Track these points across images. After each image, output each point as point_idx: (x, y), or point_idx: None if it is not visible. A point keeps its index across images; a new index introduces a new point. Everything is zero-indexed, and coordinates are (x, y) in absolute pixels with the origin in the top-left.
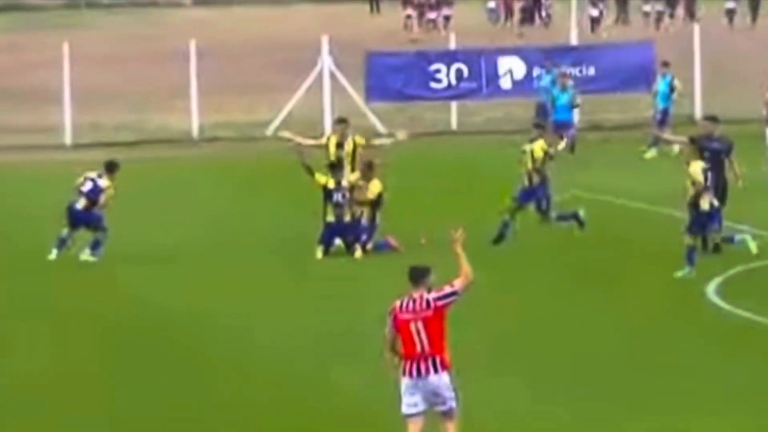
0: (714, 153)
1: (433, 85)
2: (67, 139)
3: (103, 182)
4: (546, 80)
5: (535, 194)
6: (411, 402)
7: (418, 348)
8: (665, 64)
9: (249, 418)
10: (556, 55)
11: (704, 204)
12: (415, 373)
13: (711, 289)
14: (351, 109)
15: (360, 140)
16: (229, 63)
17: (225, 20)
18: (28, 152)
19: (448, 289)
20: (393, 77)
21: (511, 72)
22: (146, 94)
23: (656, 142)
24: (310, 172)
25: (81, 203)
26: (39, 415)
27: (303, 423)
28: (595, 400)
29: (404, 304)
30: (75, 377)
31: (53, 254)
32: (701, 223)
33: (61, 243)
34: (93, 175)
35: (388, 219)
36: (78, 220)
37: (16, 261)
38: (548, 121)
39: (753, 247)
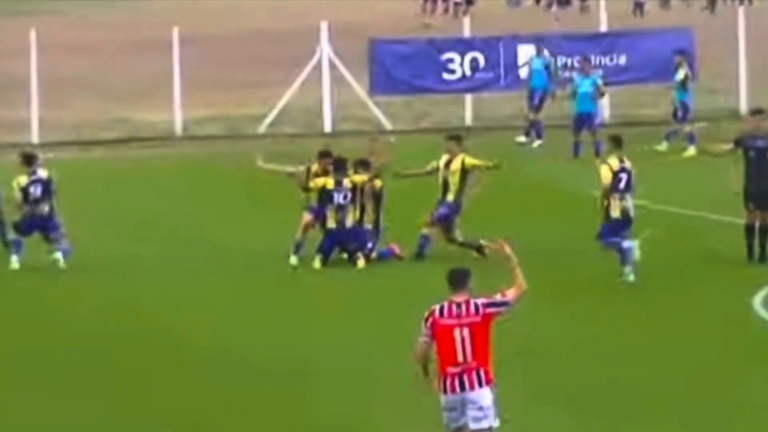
0: (759, 152)
1: (445, 76)
2: (34, 137)
3: (43, 172)
4: (537, 63)
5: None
6: (452, 417)
7: (460, 358)
8: (681, 53)
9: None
10: (584, 42)
11: (615, 211)
12: (457, 387)
13: (758, 301)
14: (353, 103)
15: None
16: (217, 52)
17: (212, 5)
18: None
19: (499, 298)
20: (400, 67)
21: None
22: (123, 87)
23: (692, 137)
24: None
25: (43, 209)
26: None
27: None
28: (637, 416)
29: (446, 309)
30: (59, 383)
31: (15, 263)
32: (613, 231)
33: (18, 247)
34: (25, 179)
35: (391, 227)
36: (44, 226)
37: None
38: (535, 112)
39: (637, 254)
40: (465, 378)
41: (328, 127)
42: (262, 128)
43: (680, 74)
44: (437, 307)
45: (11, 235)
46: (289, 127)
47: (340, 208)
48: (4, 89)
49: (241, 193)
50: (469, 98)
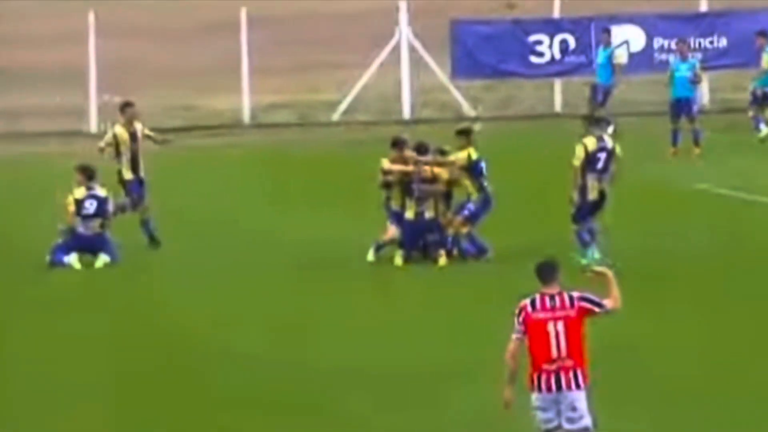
0: None
1: (532, 59)
2: (92, 126)
3: (100, 190)
4: (602, 56)
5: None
6: (546, 418)
7: (554, 353)
8: (762, 35)
9: None
10: (682, 23)
11: (592, 192)
12: (553, 386)
13: None
14: (434, 87)
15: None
16: (288, 34)
17: None
18: (44, 141)
19: (596, 299)
20: (484, 50)
21: (627, 44)
22: (188, 72)
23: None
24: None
25: (91, 227)
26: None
27: None
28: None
29: (538, 302)
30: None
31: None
32: (587, 212)
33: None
34: (83, 193)
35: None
36: (90, 245)
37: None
38: (601, 106)
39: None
40: (562, 377)
41: (406, 114)
42: (335, 115)
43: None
44: (528, 301)
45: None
46: (364, 113)
47: (421, 199)
48: (61, 75)
49: (313, 184)
50: (558, 83)
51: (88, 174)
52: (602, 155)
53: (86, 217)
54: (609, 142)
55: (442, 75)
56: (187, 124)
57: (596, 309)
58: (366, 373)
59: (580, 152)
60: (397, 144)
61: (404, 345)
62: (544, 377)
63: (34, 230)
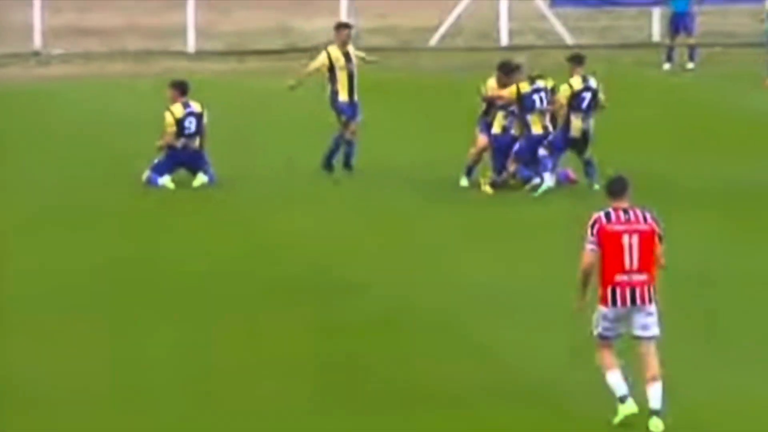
0: None
1: None
2: (190, 46)
3: (196, 106)
4: None
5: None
6: (609, 326)
7: (628, 264)
8: None
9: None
10: None
11: (574, 131)
12: (628, 300)
13: None
14: (533, 15)
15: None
16: None
17: None
18: (143, 61)
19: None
20: None
21: None
22: None
23: None
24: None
25: (195, 144)
26: None
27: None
28: None
29: (613, 215)
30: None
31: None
32: (563, 145)
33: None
34: (181, 111)
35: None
36: (194, 161)
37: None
38: (675, 36)
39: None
40: (637, 292)
41: (504, 41)
42: (433, 41)
43: None
44: (602, 214)
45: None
46: (462, 40)
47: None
48: None
49: (411, 111)
50: (657, 12)
51: (182, 89)
52: (587, 95)
53: (188, 136)
54: (593, 82)
55: (541, 2)
56: (284, 46)
57: (659, 241)
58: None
59: (565, 92)
60: (503, 68)
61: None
62: (619, 291)
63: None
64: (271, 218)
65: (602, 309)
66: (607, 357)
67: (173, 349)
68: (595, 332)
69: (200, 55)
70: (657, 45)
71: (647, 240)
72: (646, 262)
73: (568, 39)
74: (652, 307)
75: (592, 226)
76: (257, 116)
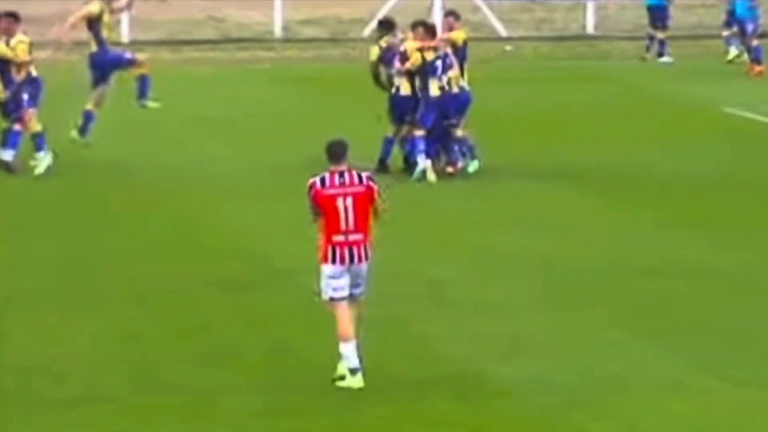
0: None
1: None
2: (124, 36)
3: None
4: None
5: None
6: (337, 285)
7: (343, 226)
8: None
9: None
10: None
11: (434, 89)
12: (347, 259)
13: None
14: (465, 7)
15: None
16: None
17: None
18: (77, 50)
19: (380, 190)
20: None
21: None
22: None
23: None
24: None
25: None
26: None
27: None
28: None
29: (328, 180)
30: None
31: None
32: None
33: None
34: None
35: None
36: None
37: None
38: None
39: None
40: (354, 251)
41: (438, 33)
42: (366, 32)
43: None
44: (318, 179)
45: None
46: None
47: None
48: None
49: (343, 102)
50: (591, 5)
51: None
52: (439, 63)
53: None
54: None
55: None
56: (217, 36)
57: (378, 200)
58: None
59: (416, 59)
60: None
61: None
62: (338, 250)
63: None
64: (200, 208)
65: (324, 268)
66: (344, 324)
67: (108, 340)
68: (326, 297)
69: (134, 45)
70: (591, 37)
71: (362, 201)
72: (362, 222)
73: (502, 31)
74: (366, 267)
75: (309, 191)
76: (193, 106)
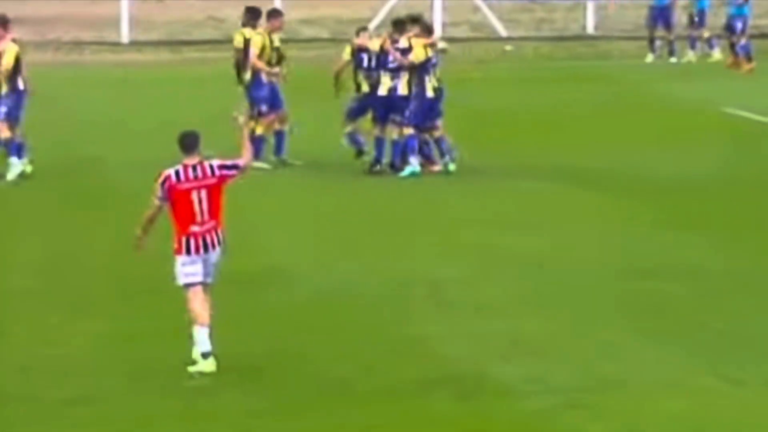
0: None
1: None
2: (124, 36)
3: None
4: None
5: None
6: (191, 271)
7: (199, 218)
8: None
9: None
10: None
11: (430, 91)
12: (201, 248)
13: None
14: (466, 7)
15: None
16: None
17: None
18: (76, 51)
19: (230, 162)
20: None
21: None
22: None
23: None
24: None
25: None
26: None
27: None
28: None
29: (182, 173)
30: None
31: None
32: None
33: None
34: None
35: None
36: None
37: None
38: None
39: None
40: (208, 239)
41: (438, 33)
42: (372, 25)
43: None
44: (172, 171)
45: None
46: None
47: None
48: None
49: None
50: (591, 5)
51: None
52: (435, 58)
53: None
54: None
55: None
56: (217, 36)
57: (235, 172)
58: None
59: (420, 54)
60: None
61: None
62: (193, 240)
63: None
64: None
65: (179, 258)
66: (198, 308)
67: (107, 340)
68: (181, 283)
69: (134, 45)
70: (591, 37)
71: (215, 192)
72: (215, 211)
73: (502, 31)
74: (219, 253)
75: (162, 183)
76: (191, 106)
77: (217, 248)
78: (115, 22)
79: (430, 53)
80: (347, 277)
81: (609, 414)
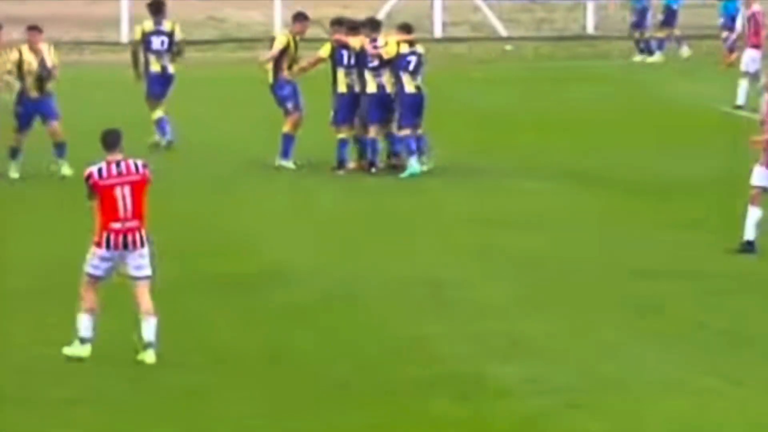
0: None
1: None
2: (123, 36)
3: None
4: None
5: None
6: (99, 265)
7: (122, 214)
8: None
9: None
10: None
11: (409, 86)
12: (120, 245)
13: None
14: (466, 6)
15: None
16: None
17: None
18: (76, 51)
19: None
20: None
21: None
22: None
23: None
24: None
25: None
26: None
27: None
28: None
29: (105, 170)
30: None
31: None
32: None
33: None
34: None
35: (501, 139)
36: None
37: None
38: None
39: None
40: (129, 237)
41: (438, 33)
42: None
43: None
44: (96, 169)
45: None
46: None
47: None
48: None
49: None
50: (591, 5)
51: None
52: (412, 58)
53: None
54: (419, 48)
55: None
56: (217, 36)
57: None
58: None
59: (391, 50)
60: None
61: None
62: (113, 237)
63: None
64: (200, 208)
65: (97, 251)
66: (89, 297)
67: (106, 340)
68: (87, 270)
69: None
70: (591, 37)
71: (139, 189)
72: (138, 209)
73: (502, 31)
74: (145, 250)
75: (87, 180)
76: (191, 106)
77: (139, 250)
78: (115, 22)
79: (405, 50)
80: (347, 277)
81: (609, 414)
